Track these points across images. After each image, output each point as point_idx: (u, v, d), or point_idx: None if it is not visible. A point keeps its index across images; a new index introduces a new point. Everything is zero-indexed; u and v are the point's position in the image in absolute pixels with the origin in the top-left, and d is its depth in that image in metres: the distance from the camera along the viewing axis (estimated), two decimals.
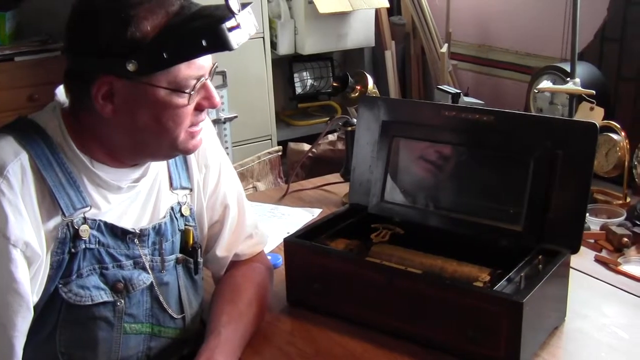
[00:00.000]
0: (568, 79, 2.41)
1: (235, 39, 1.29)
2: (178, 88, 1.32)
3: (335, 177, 2.55)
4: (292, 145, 3.80)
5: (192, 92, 1.34)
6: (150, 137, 1.36)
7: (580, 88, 2.33)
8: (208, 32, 1.27)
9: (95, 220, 1.37)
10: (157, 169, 1.49)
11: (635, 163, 2.18)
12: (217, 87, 3.32)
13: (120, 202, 1.42)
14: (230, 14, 1.28)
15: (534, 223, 1.62)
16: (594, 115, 2.27)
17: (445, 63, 3.89)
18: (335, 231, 1.78)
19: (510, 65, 3.75)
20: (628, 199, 2.29)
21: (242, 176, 3.03)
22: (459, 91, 2.46)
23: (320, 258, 1.65)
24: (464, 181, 1.75)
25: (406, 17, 4.30)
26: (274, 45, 4.02)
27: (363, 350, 1.54)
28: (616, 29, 2.84)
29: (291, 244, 1.70)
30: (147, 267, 1.46)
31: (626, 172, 2.27)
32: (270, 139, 3.92)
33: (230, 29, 1.28)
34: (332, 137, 3.66)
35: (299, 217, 2.27)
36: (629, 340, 1.59)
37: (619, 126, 2.28)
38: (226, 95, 3.56)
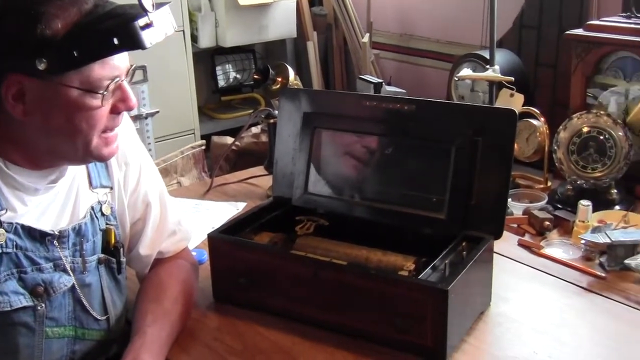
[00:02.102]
0: (488, 66, 2.43)
1: (148, 37, 1.26)
2: (91, 88, 1.28)
3: (260, 169, 2.54)
4: (215, 139, 3.77)
5: (105, 93, 1.30)
6: (64, 139, 1.32)
7: (499, 75, 2.36)
8: (120, 30, 1.24)
9: (11, 223, 1.33)
10: (76, 168, 1.45)
11: (555, 148, 2.22)
12: (137, 83, 3.28)
13: (37, 203, 1.38)
14: (144, 12, 1.25)
15: (457, 210, 1.63)
16: (514, 101, 2.31)
17: (367, 53, 3.90)
18: (259, 225, 1.77)
19: (431, 53, 3.78)
20: (549, 183, 2.34)
21: (166, 171, 2.98)
22: (381, 80, 2.47)
23: (245, 253, 1.64)
24: (387, 171, 1.75)
25: (327, 7, 4.30)
26: (194, 39, 3.97)
27: (292, 343, 1.54)
28: (533, 17, 2.88)
29: (215, 240, 1.68)
30: (68, 269, 1.42)
31: (546, 157, 2.31)
32: (194, 133, 3.88)
33: (143, 27, 1.25)
34: (255, 129, 3.63)
35: (223, 212, 2.25)
36: (553, 322, 1.62)
37: (538, 112, 2.33)
38: (147, 90, 3.50)
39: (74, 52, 1.22)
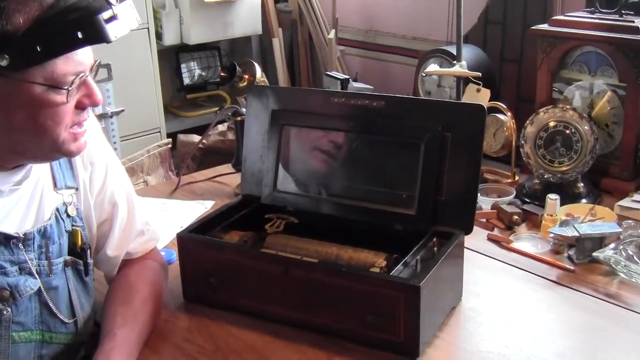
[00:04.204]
0: (454, 61, 2.43)
1: (112, 31, 1.24)
2: (55, 84, 1.25)
3: (227, 167, 2.52)
4: (181, 137, 3.74)
5: (69, 89, 1.27)
6: (29, 137, 1.29)
7: (466, 70, 2.36)
8: (84, 24, 1.21)
9: None
10: (40, 169, 1.42)
11: (522, 142, 2.23)
12: (101, 81, 3.24)
13: (1, 206, 1.35)
14: (108, 4, 1.23)
15: (427, 206, 1.62)
16: (481, 96, 2.31)
17: (333, 49, 3.90)
18: (228, 223, 1.76)
19: (397, 49, 3.79)
20: (516, 177, 2.35)
21: (132, 171, 2.96)
22: (347, 77, 2.47)
23: (215, 252, 1.63)
24: (357, 167, 1.74)
25: (292, 4, 4.29)
26: (159, 36, 3.94)
27: (263, 343, 1.53)
28: (498, 12, 2.90)
29: (184, 239, 1.66)
30: (34, 272, 1.39)
31: (514, 151, 2.32)
32: (159, 132, 3.85)
33: (108, 20, 1.23)
34: (222, 127, 3.62)
35: (191, 211, 2.23)
36: (523, 316, 1.62)
37: (505, 106, 2.33)
38: (111, 88, 3.47)
39: (37, 47, 1.19)
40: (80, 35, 1.21)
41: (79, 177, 1.50)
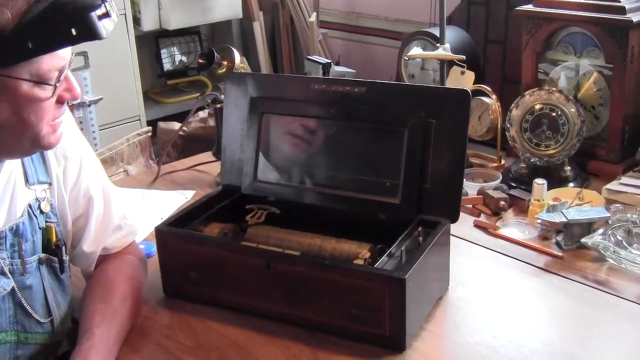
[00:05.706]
0: (438, 44, 2.39)
1: (104, 27, 1.21)
2: (41, 80, 1.23)
3: (208, 155, 2.48)
4: (162, 124, 3.69)
5: (57, 84, 1.25)
6: (10, 133, 1.26)
7: (450, 53, 2.32)
8: (78, 21, 1.19)
9: None
10: (11, 165, 1.38)
11: (508, 125, 2.19)
12: (78, 69, 3.19)
13: None
14: (100, 1, 1.20)
15: (412, 194, 1.59)
16: (465, 79, 2.28)
17: (314, 32, 3.85)
18: (208, 215, 1.72)
19: (380, 31, 3.75)
20: (502, 161, 2.32)
21: (112, 160, 2.91)
22: (329, 61, 2.43)
23: (194, 245, 1.59)
24: (339, 155, 1.71)
25: None
26: (137, 22, 3.88)
27: (246, 338, 1.50)
28: None
29: (163, 233, 1.62)
30: (7, 271, 1.35)
31: (499, 135, 2.29)
32: (139, 120, 3.80)
33: (100, 17, 1.20)
34: (203, 114, 3.56)
35: (172, 201, 2.19)
36: (511, 305, 1.60)
37: (490, 89, 2.30)
38: (89, 77, 3.41)
39: (28, 44, 1.17)
40: (74, 32, 1.18)
41: (52, 171, 1.46)
